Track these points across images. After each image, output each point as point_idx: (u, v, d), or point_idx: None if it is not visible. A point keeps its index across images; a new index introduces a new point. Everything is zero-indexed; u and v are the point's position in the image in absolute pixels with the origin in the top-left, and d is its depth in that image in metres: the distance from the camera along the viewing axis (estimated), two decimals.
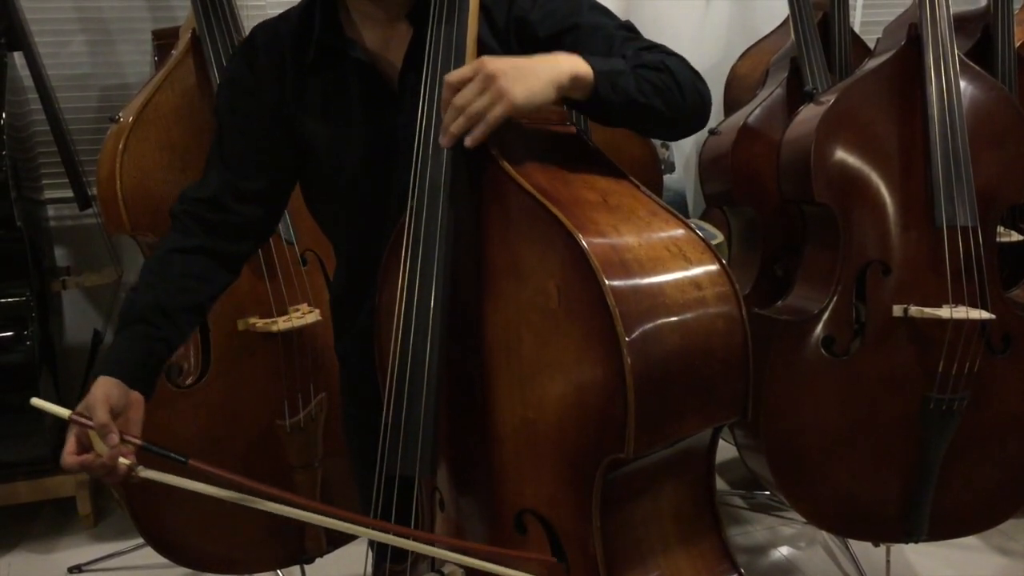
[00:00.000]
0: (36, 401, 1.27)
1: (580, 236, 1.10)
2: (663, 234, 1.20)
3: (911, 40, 2.18)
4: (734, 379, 1.20)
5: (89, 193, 2.79)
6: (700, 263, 1.19)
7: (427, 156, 1.23)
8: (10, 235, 2.59)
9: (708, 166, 2.94)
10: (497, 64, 1.15)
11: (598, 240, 1.11)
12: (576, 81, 1.19)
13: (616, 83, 1.21)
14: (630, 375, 1.07)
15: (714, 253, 1.21)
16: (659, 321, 1.11)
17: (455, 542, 1.27)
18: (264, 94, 1.43)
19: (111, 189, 2.15)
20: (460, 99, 1.16)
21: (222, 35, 2.20)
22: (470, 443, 1.28)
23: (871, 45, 2.75)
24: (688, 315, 1.14)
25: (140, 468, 1.25)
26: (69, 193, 2.83)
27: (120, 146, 2.14)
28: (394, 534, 1.20)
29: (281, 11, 1.47)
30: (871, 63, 2.29)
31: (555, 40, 1.32)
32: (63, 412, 1.26)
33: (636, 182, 1.27)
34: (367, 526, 1.20)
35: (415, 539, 1.21)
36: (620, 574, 1.18)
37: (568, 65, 1.19)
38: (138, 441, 1.26)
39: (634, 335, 1.08)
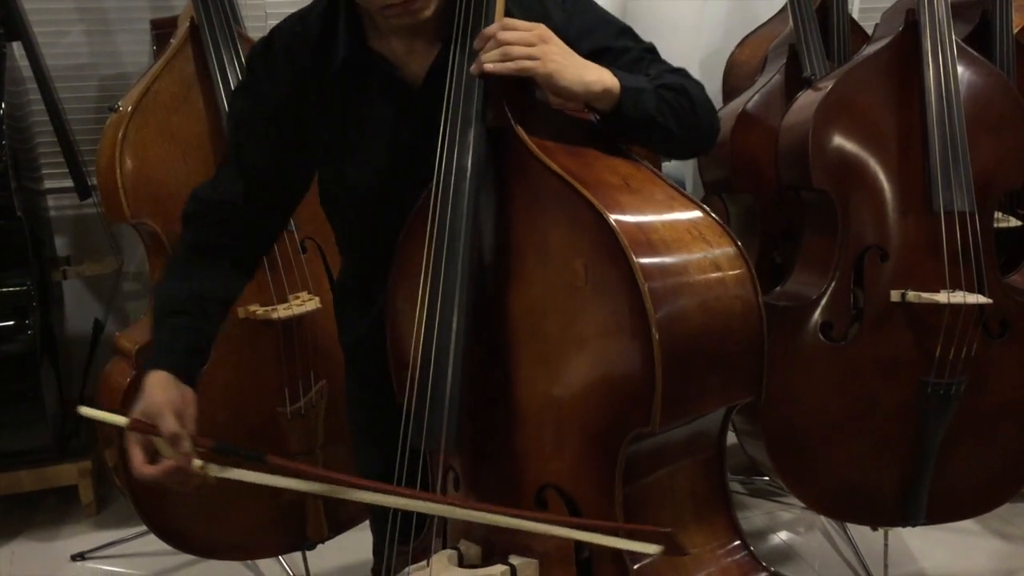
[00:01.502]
0: (85, 410, 1.21)
1: (609, 215, 1.12)
2: (683, 217, 1.23)
3: (909, 26, 2.18)
4: (750, 360, 1.23)
5: (89, 183, 2.79)
6: (719, 245, 1.22)
7: (455, 136, 1.24)
8: (10, 225, 2.60)
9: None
10: (555, 37, 1.22)
11: (625, 220, 1.14)
12: (605, 92, 1.24)
13: (639, 100, 1.27)
14: (658, 350, 1.09)
15: (731, 237, 1.24)
16: (684, 300, 1.14)
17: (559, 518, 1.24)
18: (282, 98, 1.42)
19: (111, 178, 2.15)
20: (508, 36, 1.20)
21: (220, 24, 2.20)
22: (491, 419, 1.30)
23: (870, 31, 2.75)
24: (710, 295, 1.17)
25: (213, 467, 1.22)
26: (69, 183, 2.83)
27: (119, 135, 2.14)
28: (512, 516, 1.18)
29: (276, 1, 1.46)
30: (869, 49, 2.29)
31: (592, 58, 1.33)
32: (120, 420, 1.21)
33: (652, 168, 1.30)
34: (471, 509, 1.21)
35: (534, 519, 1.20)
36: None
37: (599, 75, 1.24)
38: (211, 443, 1.22)
39: (662, 312, 1.10)
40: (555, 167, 1.18)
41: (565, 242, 1.18)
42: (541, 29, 1.22)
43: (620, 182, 1.23)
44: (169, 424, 1.22)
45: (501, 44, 1.20)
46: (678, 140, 1.34)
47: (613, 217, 1.12)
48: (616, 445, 1.15)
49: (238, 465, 1.22)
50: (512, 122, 1.23)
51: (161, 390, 1.28)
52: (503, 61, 1.20)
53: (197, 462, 1.22)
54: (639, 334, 1.11)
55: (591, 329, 1.16)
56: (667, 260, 1.15)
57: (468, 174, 1.22)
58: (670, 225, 1.19)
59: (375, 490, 1.21)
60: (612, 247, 1.12)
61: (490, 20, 1.26)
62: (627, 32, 1.43)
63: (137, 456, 1.24)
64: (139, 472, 1.23)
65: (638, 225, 1.15)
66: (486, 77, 1.22)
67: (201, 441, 1.23)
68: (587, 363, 1.18)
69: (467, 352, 1.22)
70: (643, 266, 1.11)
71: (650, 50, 1.42)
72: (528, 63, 1.19)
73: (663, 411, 1.11)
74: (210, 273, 1.45)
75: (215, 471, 1.22)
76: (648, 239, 1.14)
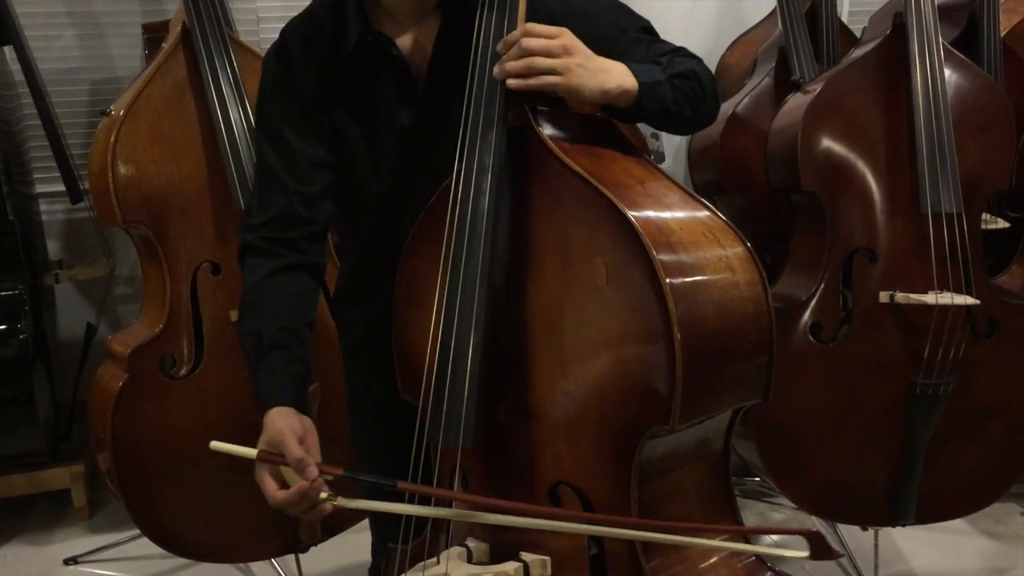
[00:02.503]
0: (216, 444, 1.22)
1: (631, 215, 1.14)
2: (697, 219, 1.25)
3: (896, 29, 2.19)
4: (760, 362, 1.25)
5: (81, 187, 2.80)
6: (732, 247, 1.24)
7: (476, 136, 1.25)
8: (2, 229, 2.60)
9: (697, 155, 2.96)
10: (577, 43, 1.23)
11: (646, 220, 1.16)
12: (623, 94, 1.25)
13: (655, 94, 1.28)
14: (679, 349, 1.11)
15: (742, 240, 1.25)
16: (703, 300, 1.16)
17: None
18: (307, 93, 1.43)
19: (103, 182, 2.16)
20: (533, 43, 1.20)
21: (212, 28, 2.21)
22: (506, 416, 1.31)
23: (858, 34, 2.78)
24: (725, 296, 1.19)
25: (340, 498, 1.22)
26: (61, 187, 2.83)
27: (112, 139, 2.15)
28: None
29: (268, 3, 1.48)
30: (857, 52, 2.31)
31: (586, 41, 1.34)
32: (250, 452, 1.23)
33: (664, 171, 1.32)
34: (602, 524, 1.19)
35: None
36: (651, 546, 1.22)
37: (618, 78, 1.25)
38: (340, 472, 1.22)
39: (682, 309, 1.12)
40: (576, 167, 1.19)
41: (586, 241, 1.19)
42: (565, 37, 1.22)
43: (637, 183, 1.25)
44: (293, 450, 1.22)
45: (524, 53, 1.20)
46: (689, 123, 1.38)
47: (634, 216, 1.14)
48: (634, 443, 1.17)
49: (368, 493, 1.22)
50: (533, 123, 1.25)
51: (281, 419, 1.28)
52: (527, 77, 1.20)
53: (324, 494, 1.22)
54: (660, 332, 1.12)
55: (611, 327, 1.18)
56: (685, 259, 1.17)
57: (489, 173, 1.23)
58: (686, 226, 1.21)
59: (514, 512, 1.19)
60: (634, 246, 1.13)
61: (513, 18, 1.26)
62: (622, 11, 1.44)
63: (270, 485, 1.24)
64: (273, 499, 1.24)
65: (657, 225, 1.17)
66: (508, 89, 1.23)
67: (330, 469, 1.22)
68: (606, 361, 1.19)
69: (486, 349, 1.23)
70: (664, 263, 1.12)
71: (647, 29, 1.43)
72: (552, 79, 1.20)
73: (682, 410, 1.13)
74: (290, 298, 1.43)
75: (344, 502, 1.22)
76: (668, 240, 1.16)
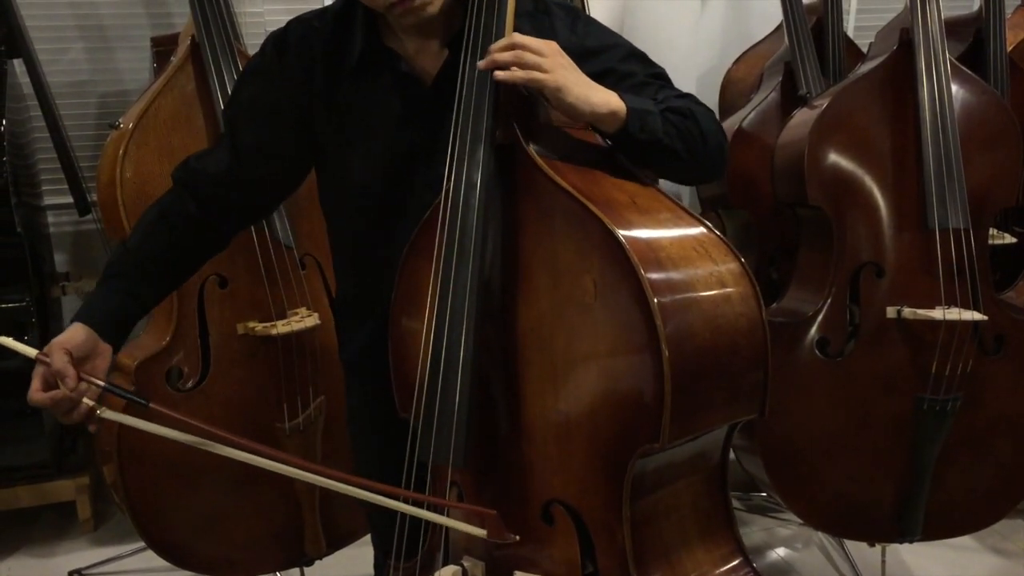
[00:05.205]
0: (2, 339, 1.33)
1: (619, 232, 1.14)
2: (689, 235, 1.25)
3: (903, 44, 2.20)
4: (755, 378, 1.24)
5: (89, 199, 2.81)
6: (724, 263, 1.24)
7: (464, 152, 1.26)
8: (10, 241, 2.60)
9: None
10: (564, 54, 1.26)
11: (634, 238, 1.16)
12: (611, 115, 1.26)
13: (645, 122, 1.29)
14: (667, 366, 1.11)
15: (735, 254, 1.25)
16: (692, 317, 1.16)
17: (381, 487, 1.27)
18: (289, 88, 1.45)
19: (111, 195, 2.16)
20: (524, 42, 1.22)
21: (221, 42, 2.22)
22: (497, 435, 1.31)
23: (865, 49, 2.78)
24: (716, 312, 1.19)
25: (103, 409, 1.31)
26: (69, 199, 2.84)
27: (120, 152, 2.15)
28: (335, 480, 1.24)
29: (276, 17, 1.49)
30: (864, 67, 2.31)
31: (596, 79, 1.35)
32: (30, 352, 1.32)
33: (657, 186, 1.32)
34: (315, 473, 1.25)
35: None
36: (646, 563, 1.22)
37: (605, 97, 1.26)
38: (99, 382, 1.32)
39: (671, 327, 1.12)
40: (565, 184, 1.20)
41: (574, 258, 1.20)
42: (554, 45, 1.24)
43: (627, 200, 1.25)
44: (57, 361, 1.30)
45: (513, 45, 1.22)
46: (686, 163, 1.36)
47: (622, 234, 1.14)
48: (624, 461, 1.17)
49: (133, 413, 1.31)
50: (521, 140, 1.25)
51: (67, 334, 1.36)
52: (511, 64, 1.21)
53: (89, 401, 1.30)
54: (648, 350, 1.12)
55: (600, 345, 1.18)
56: (675, 276, 1.17)
57: (478, 189, 1.24)
58: (677, 242, 1.21)
59: (242, 447, 1.25)
60: (622, 263, 1.13)
61: (500, 36, 1.27)
62: (636, 56, 1.45)
63: (34, 384, 1.32)
64: (30, 397, 1.32)
65: (647, 242, 1.17)
66: (496, 81, 1.23)
67: (91, 380, 1.32)
68: (595, 379, 1.19)
69: (475, 368, 1.23)
70: (652, 281, 1.12)
71: (659, 75, 1.44)
72: (538, 74, 1.21)
73: (671, 427, 1.13)
74: (172, 246, 1.50)
75: (108, 414, 1.31)
76: (656, 256, 1.16)
